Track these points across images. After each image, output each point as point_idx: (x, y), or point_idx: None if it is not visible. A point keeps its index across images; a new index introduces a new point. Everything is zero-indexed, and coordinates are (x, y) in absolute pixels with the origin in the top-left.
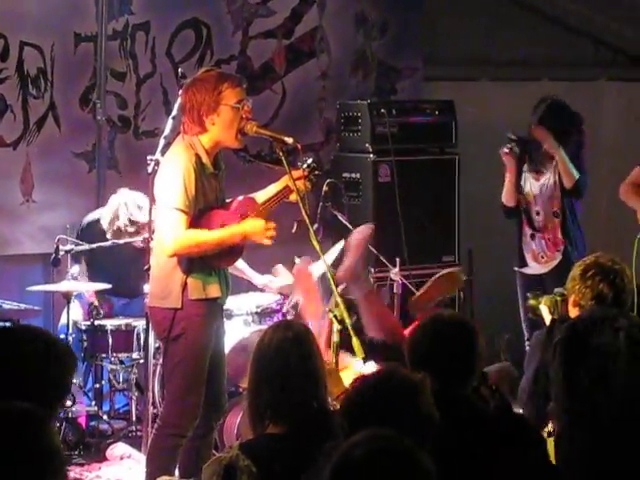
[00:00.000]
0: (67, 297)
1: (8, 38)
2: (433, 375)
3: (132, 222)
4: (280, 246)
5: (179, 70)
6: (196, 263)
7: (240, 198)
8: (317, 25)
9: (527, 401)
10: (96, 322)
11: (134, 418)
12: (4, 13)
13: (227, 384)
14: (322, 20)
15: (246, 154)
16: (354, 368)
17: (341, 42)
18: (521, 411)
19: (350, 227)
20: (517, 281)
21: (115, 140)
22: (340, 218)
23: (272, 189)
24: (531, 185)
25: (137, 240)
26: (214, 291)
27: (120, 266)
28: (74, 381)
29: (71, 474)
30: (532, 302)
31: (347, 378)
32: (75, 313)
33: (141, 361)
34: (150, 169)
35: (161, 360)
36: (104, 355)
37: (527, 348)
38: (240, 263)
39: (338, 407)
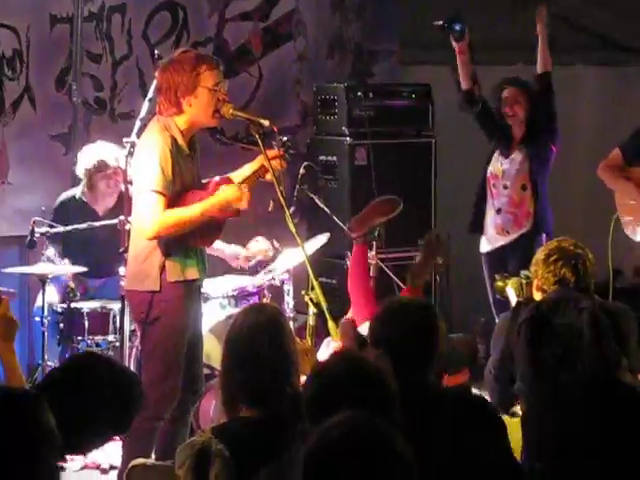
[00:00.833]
0: (42, 279)
1: None
2: (394, 359)
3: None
4: (257, 229)
5: (155, 52)
6: (174, 245)
7: (216, 178)
8: (294, 8)
9: (493, 382)
10: (72, 304)
11: None
12: None
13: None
14: (299, 3)
15: (222, 136)
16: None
17: (318, 25)
18: (487, 393)
19: (327, 210)
20: (483, 262)
21: (91, 122)
22: (316, 201)
23: (247, 169)
24: (501, 162)
25: (113, 222)
26: (192, 273)
27: (95, 247)
28: (50, 363)
29: None
30: (499, 284)
31: None
32: (51, 295)
33: (117, 344)
34: (126, 151)
35: (137, 343)
36: (80, 337)
37: None
38: None
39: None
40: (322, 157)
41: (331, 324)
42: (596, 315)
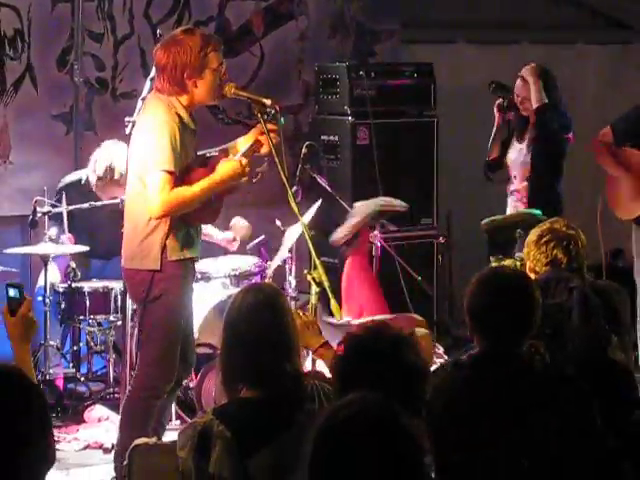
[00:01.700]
0: (44, 259)
1: None
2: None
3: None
4: (258, 207)
5: (157, 31)
6: (175, 223)
7: (216, 156)
8: None
9: None
10: (73, 284)
11: (112, 380)
12: None
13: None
14: None
15: (224, 116)
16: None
17: (320, 4)
18: None
19: (329, 189)
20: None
21: (93, 102)
22: (319, 180)
23: (242, 142)
24: (512, 150)
25: (115, 202)
26: (192, 251)
27: (97, 228)
28: (52, 343)
29: None
30: (494, 265)
31: None
32: (52, 275)
33: (119, 323)
34: (128, 130)
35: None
36: (82, 317)
37: None
38: None
39: (316, 360)
40: (324, 137)
41: (333, 303)
42: (586, 294)
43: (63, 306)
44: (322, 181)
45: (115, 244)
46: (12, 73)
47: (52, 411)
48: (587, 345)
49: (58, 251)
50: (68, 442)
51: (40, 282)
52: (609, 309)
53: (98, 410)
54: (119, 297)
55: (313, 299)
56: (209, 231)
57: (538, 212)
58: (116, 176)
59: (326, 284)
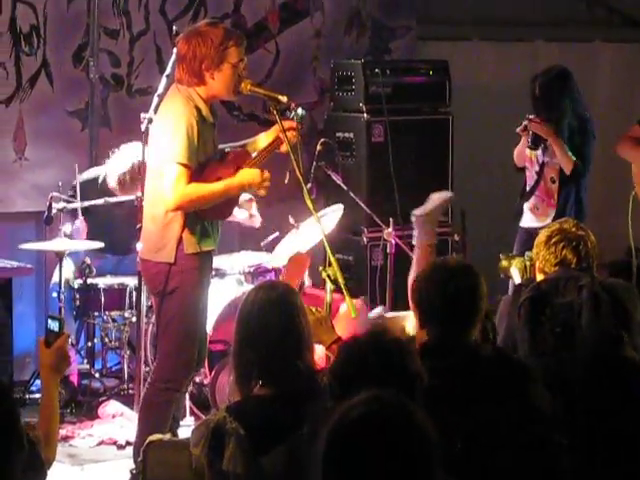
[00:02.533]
0: (60, 255)
1: None
2: (438, 319)
3: None
4: (275, 204)
5: (173, 28)
6: (192, 216)
7: (233, 150)
8: None
9: None
10: (88, 280)
11: (126, 376)
12: None
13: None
14: None
15: (240, 113)
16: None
17: (335, 1)
18: None
19: (344, 187)
20: (517, 236)
21: (108, 98)
22: (334, 177)
23: (263, 138)
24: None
25: (130, 199)
26: (208, 244)
27: (113, 224)
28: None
29: (63, 432)
30: (504, 263)
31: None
32: (67, 271)
33: (133, 319)
34: (143, 127)
35: (153, 318)
36: (96, 313)
37: None
38: None
39: (330, 356)
40: (339, 134)
41: (348, 300)
42: (595, 292)
43: (78, 302)
44: (337, 178)
45: (130, 241)
46: (28, 69)
47: (66, 407)
48: (598, 342)
49: (73, 247)
50: (82, 438)
51: (55, 278)
52: (619, 307)
53: (112, 406)
54: (134, 293)
55: (328, 296)
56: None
57: None
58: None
59: (341, 281)
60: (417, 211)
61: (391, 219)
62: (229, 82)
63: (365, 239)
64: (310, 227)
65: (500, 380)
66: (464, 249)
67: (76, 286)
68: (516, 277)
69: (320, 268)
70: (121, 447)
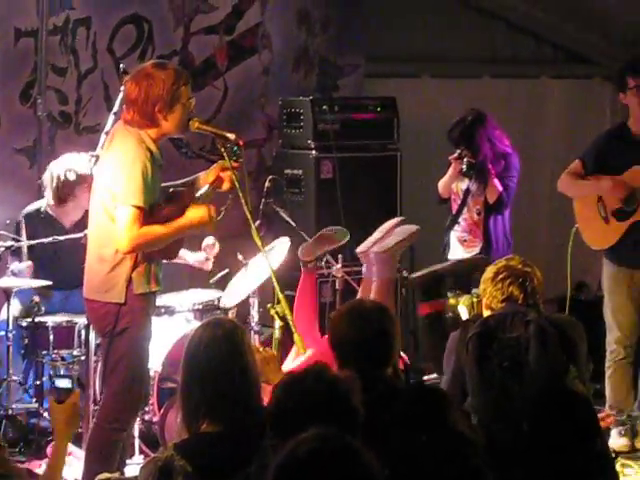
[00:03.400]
0: (7, 293)
1: None
2: (355, 359)
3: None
4: (222, 242)
5: (120, 66)
6: (142, 257)
7: (178, 189)
8: (259, 21)
9: None
10: (37, 318)
11: None
12: None
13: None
14: (264, 16)
15: (188, 150)
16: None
17: (283, 38)
18: None
19: (292, 223)
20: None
21: (56, 136)
22: (282, 214)
23: (202, 177)
24: (460, 180)
25: (78, 236)
26: (156, 284)
27: (60, 260)
28: (14, 378)
29: None
30: (451, 301)
31: None
32: (15, 309)
33: (82, 358)
34: (92, 165)
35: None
36: (45, 352)
37: None
38: None
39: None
40: (288, 170)
41: (297, 337)
42: (542, 326)
43: (26, 341)
44: (285, 215)
45: (77, 275)
46: None
47: (15, 446)
48: (545, 376)
49: (21, 285)
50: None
51: (3, 316)
52: (566, 341)
53: None
54: (82, 332)
55: (277, 333)
56: (181, 253)
57: None
58: (71, 178)
59: (290, 318)
60: (377, 247)
61: (340, 255)
62: (180, 121)
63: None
64: (259, 264)
65: (418, 410)
66: (413, 285)
67: (24, 324)
68: (463, 314)
69: (269, 305)
70: None
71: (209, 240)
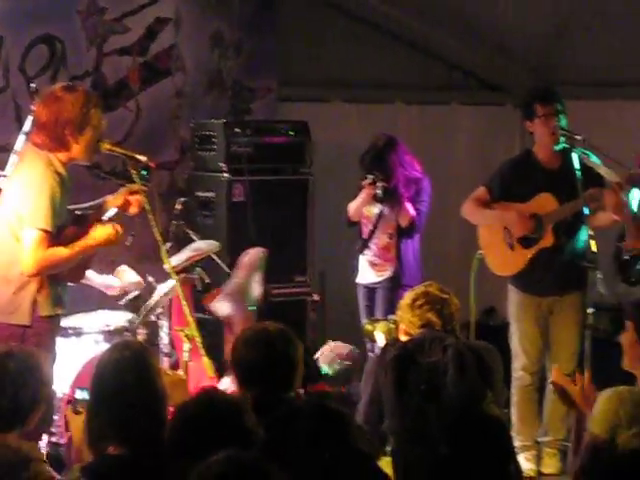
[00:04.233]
0: None
1: None
2: (259, 383)
3: None
4: (132, 265)
5: (31, 85)
6: (47, 279)
7: (84, 212)
8: (172, 43)
9: (364, 424)
10: None
11: None
12: None
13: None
14: (177, 38)
15: (99, 171)
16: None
17: (196, 61)
18: None
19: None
20: (358, 294)
21: None
22: (193, 237)
23: (111, 200)
24: (371, 204)
25: None
26: (61, 307)
27: None
28: None
29: None
30: (368, 327)
31: None
32: None
33: None
34: (0, 184)
35: None
36: None
37: None
38: None
39: None
40: (200, 193)
41: (206, 359)
42: (460, 351)
43: None
44: (196, 238)
45: None
46: None
47: None
48: (463, 400)
49: None
50: None
51: None
52: (483, 366)
53: None
54: None
55: (186, 356)
56: (88, 274)
57: None
58: None
59: (198, 340)
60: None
61: None
62: (91, 144)
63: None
64: (169, 286)
65: (320, 428)
66: (322, 309)
67: None
68: (380, 341)
69: (177, 328)
70: None
71: (130, 276)
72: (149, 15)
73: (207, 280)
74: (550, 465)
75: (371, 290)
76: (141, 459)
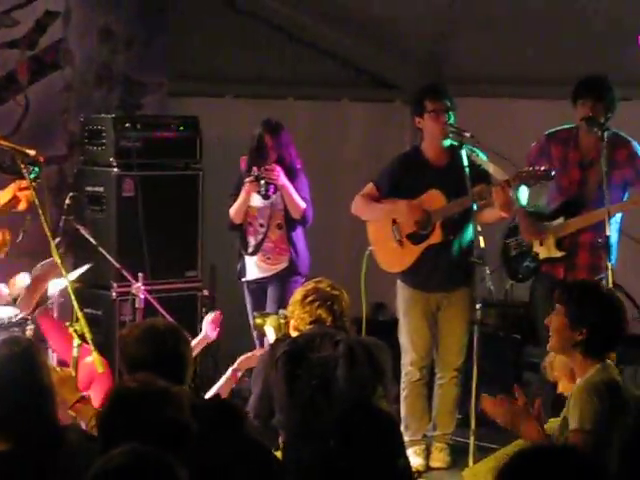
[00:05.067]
0: None
1: None
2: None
3: None
4: (21, 259)
5: None
6: None
7: None
8: (61, 37)
9: (254, 419)
10: None
11: None
12: None
13: None
14: (66, 32)
15: None
16: None
17: (86, 55)
18: None
19: (93, 241)
20: (245, 291)
21: None
22: (83, 232)
23: None
24: (255, 199)
25: None
26: None
27: None
28: None
29: None
30: (258, 321)
31: None
32: None
33: None
34: None
35: None
36: None
37: None
38: None
39: (75, 415)
40: (89, 188)
41: (96, 355)
42: (351, 346)
43: None
44: (86, 233)
45: None
46: None
47: None
48: (353, 394)
49: None
50: None
51: None
52: (373, 362)
53: None
54: None
55: (75, 352)
56: None
57: None
58: None
59: (88, 336)
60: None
61: (140, 274)
62: None
63: (114, 294)
64: (58, 282)
65: (215, 423)
66: (213, 304)
67: None
68: (270, 335)
69: (67, 324)
70: None
71: (21, 277)
72: (38, 8)
73: None
74: (438, 459)
75: (261, 285)
76: (26, 455)
